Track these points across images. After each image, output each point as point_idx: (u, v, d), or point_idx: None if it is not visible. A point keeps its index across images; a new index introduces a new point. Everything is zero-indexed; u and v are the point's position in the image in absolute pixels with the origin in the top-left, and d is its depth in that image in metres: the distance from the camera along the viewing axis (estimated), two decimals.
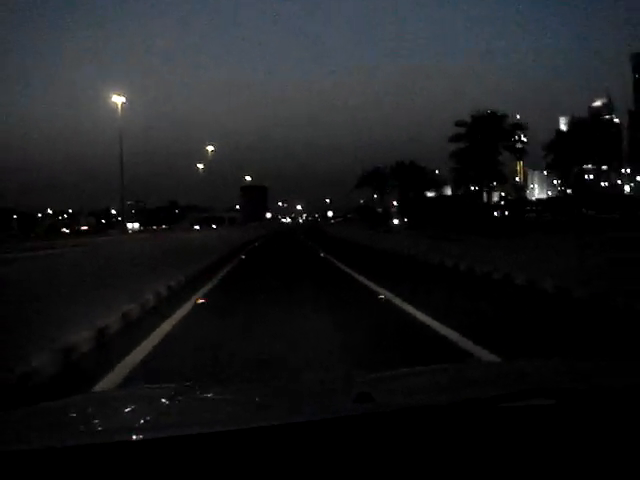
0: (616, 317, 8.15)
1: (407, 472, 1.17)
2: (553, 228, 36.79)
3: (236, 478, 1.16)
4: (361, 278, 13.87)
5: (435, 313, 8.35)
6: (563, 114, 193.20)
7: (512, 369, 2.36)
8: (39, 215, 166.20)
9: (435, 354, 6.11)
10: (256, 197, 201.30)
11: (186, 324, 8.42)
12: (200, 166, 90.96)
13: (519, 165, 59.81)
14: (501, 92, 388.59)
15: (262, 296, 11.19)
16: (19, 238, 74.31)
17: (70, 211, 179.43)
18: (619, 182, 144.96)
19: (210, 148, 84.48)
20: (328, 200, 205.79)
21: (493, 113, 40.70)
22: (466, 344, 6.45)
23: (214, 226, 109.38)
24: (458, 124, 42.32)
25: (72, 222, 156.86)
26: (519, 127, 40.98)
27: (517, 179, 59.95)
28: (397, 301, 9.99)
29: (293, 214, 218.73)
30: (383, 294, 10.97)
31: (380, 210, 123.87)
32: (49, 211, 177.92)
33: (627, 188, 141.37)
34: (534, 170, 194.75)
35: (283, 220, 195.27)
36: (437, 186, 68.25)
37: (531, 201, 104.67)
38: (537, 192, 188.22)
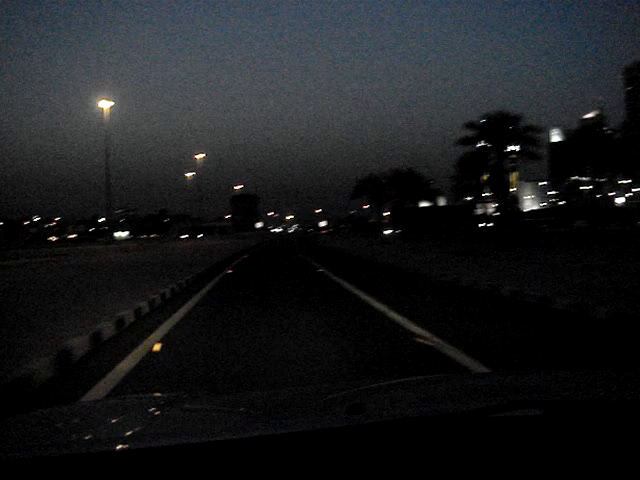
0: None
1: None
2: (563, 239, 34.46)
3: None
4: (378, 305, 9.58)
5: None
6: (555, 126, 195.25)
7: (503, 381, 2.31)
8: (26, 223, 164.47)
9: None
10: (247, 206, 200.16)
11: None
12: (189, 175, 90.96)
13: (514, 175, 58.44)
14: (493, 104, 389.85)
15: (246, 333, 7.27)
16: (3, 246, 72.37)
17: (57, 219, 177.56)
18: (611, 194, 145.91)
19: (200, 156, 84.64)
20: (319, 210, 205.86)
21: (506, 114, 38.45)
22: None
23: (200, 235, 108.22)
24: (468, 126, 40.08)
25: (59, 230, 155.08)
26: (533, 129, 38.64)
27: (512, 189, 58.37)
28: (451, 351, 5.94)
29: (284, 224, 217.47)
30: (421, 336, 6.86)
31: (372, 221, 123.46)
32: (35, 219, 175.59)
33: (618, 200, 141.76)
34: (526, 182, 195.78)
35: (274, 230, 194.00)
36: (432, 196, 66.00)
37: (525, 212, 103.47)
38: (529, 203, 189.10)
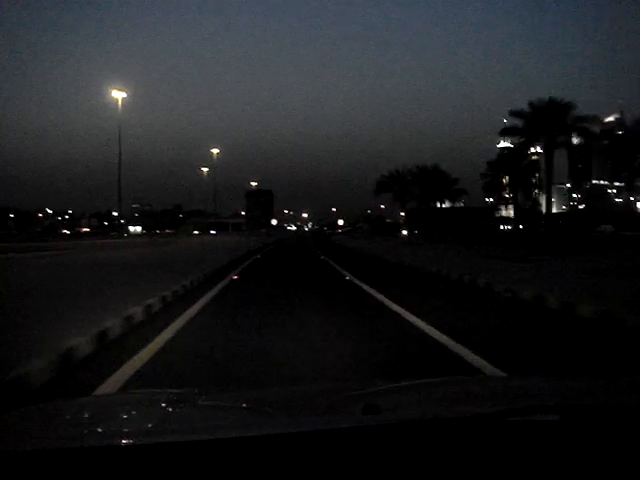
0: None
1: None
2: (602, 244, 30.87)
3: None
4: (430, 329, 7.53)
5: None
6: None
7: (518, 384, 2.31)
8: (39, 215, 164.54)
9: None
10: (262, 203, 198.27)
11: None
12: (204, 170, 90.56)
13: (536, 176, 56.10)
14: (511, 107, 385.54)
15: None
16: (16, 238, 71.48)
17: (70, 212, 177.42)
18: (631, 199, 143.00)
19: (215, 151, 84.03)
20: (334, 209, 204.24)
21: (557, 101, 33.61)
22: None
23: (213, 232, 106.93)
24: (513, 114, 35.17)
25: (73, 224, 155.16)
26: (586, 120, 34.94)
27: (536, 191, 55.77)
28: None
29: (299, 222, 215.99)
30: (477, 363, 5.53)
31: (389, 221, 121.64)
32: (49, 211, 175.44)
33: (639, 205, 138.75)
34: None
35: (289, 228, 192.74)
36: (457, 196, 62.68)
37: (545, 215, 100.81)
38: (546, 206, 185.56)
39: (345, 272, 18.32)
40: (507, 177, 46.17)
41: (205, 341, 7.01)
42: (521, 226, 59.60)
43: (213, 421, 1.70)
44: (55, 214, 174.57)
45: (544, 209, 44.63)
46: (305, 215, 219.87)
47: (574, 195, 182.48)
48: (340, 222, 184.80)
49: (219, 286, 13.47)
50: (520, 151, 37.77)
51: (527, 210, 55.46)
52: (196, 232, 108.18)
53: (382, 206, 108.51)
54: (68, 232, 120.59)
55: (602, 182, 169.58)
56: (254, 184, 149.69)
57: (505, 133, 38.06)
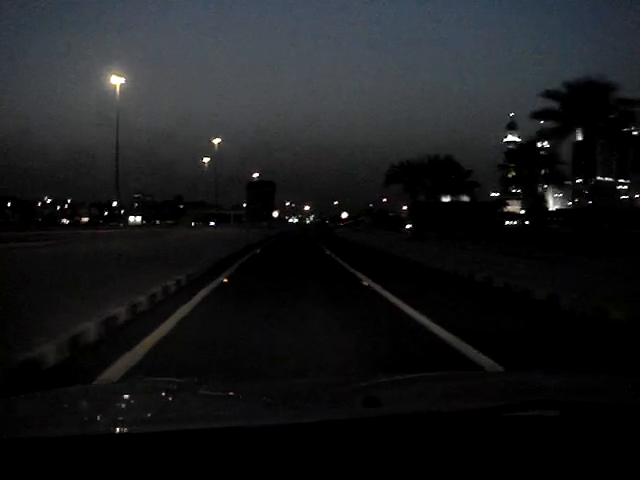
0: None
1: (411, 477, 1.18)
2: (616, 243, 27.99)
3: (237, 477, 1.14)
4: (457, 342, 6.37)
5: None
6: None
7: (518, 379, 2.29)
8: (38, 204, 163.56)
9: None
10: (263, 194, 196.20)
11: None
12: (205, 160, 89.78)
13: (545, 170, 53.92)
14: (514, 105, 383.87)
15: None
16: (12, 227, 70.76)
17: (69, 201, 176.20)
18: (637, 196, 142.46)
19: (217, 140, 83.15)
20: (337, 202, 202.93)
21: (596, 82, 28.84)
22: None
23: (212, 224, 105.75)
24: (548, 95, 30.01)
25: (72, 213, 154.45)
26: (630, 103, 28.52)
27: (545, 186, 53.88)
28: None
29: (300, 215, 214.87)
30: None
31: (392, 214, 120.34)
32: (48, 200, 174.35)
33: None
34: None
35: (291, 220, 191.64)
36: (470, 189, 59.88)
37: (552, 212, 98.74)
38: (551, 203, 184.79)
39: (347, 263, 18.52)
40: (526, 169, 43.97)
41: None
42: (527, 222, 58.21)
43: (213, 411, 1.68)
44: (55, 203, 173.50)
45: (550, 205, 42.42)
46: (307, 207, 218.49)
47: (585, 192, 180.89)
48: (344, 215, 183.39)
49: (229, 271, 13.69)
50: (557, 134, 33.44)
51: (535, 205, 53.90)
52: (194, 224, 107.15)
53: (384, 200, 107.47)
54: (67, 222, 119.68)
55: (606, 179, 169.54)
56: (256, 175, 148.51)
57: (538, 116, 32.86)
